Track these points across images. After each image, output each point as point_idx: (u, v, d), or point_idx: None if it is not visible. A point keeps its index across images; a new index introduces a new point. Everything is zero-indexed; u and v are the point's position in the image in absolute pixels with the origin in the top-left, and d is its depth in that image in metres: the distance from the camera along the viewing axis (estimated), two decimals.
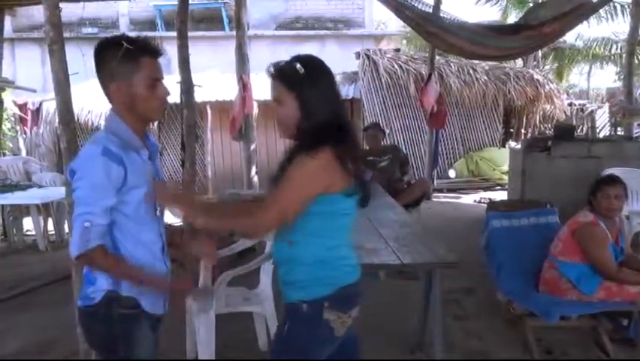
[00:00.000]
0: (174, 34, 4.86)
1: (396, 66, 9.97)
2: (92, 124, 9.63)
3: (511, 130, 11.39)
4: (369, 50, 10.59)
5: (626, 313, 3.19)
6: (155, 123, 10.06)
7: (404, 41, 16.26)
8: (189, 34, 4.69)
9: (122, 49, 1.69)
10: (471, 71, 10.16)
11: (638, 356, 3.18)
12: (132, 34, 1.84)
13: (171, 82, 8.44)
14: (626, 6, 12.33)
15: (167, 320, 1.89)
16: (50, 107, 9.93)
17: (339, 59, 12.29)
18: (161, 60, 1.80)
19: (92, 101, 9.63)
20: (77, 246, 1.66)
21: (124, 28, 14.14)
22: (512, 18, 14.67)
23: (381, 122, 9.16)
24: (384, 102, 10.13)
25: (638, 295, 3.02)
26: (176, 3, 4.84)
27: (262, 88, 5.40)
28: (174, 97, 7.90)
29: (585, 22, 9.75)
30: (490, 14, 15.57)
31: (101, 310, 1.73)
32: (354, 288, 1.75)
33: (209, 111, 9.91)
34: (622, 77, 10.78)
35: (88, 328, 1.83)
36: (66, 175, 1.76)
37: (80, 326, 1.85)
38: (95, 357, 1.92)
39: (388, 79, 9.89)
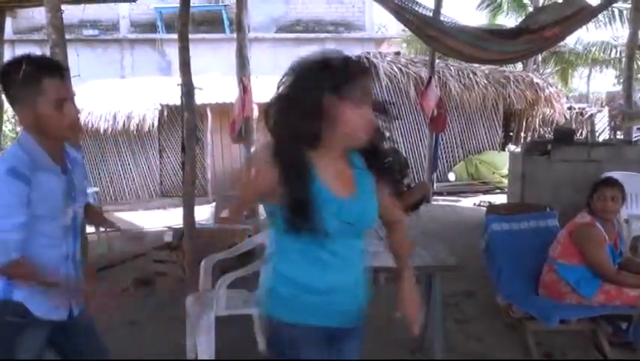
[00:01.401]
0: (175, 36, 4.86)
1: (396, 69, 9.98)
2: (92, 126, 9.65)
3: (511, 133, 11.41)
4: (369, 53, 10.62)
5: (625, 316, 3.19)
6: (156, 125, 10.08)
7: (404, 44, 16.28)
8: (190, 36, 4.68)
9: (22, 71, 1.62)
10: (471, 75, 10.17)
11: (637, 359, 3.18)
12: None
13: (172, 84, 8.40)
14: (624, 11, 12.40)
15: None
16: None
17: None
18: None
19: (92, 103, 9.65)
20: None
21: (125, 31, 14.16)
22: (504, 19, 14.73)
23: (381, 125, 9.15)
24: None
25: (637, 298, 3.01)
26: (176, 5, 4.84)
27: (262, 90, 5.42)
28: (175, 99, 7.98)
29: (584, 27, 9.78)
30: (487, 18, 15.48)
31: None
32: None
33: (209, 114, 9.93)
34: (621, 80, 10.79)
35: None
36: None
37: None
38: None
39: (388, 82, 9.90)
